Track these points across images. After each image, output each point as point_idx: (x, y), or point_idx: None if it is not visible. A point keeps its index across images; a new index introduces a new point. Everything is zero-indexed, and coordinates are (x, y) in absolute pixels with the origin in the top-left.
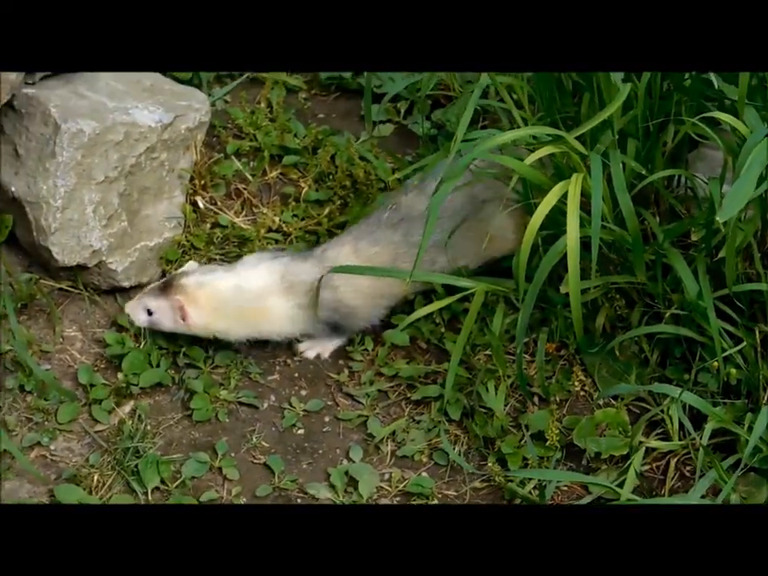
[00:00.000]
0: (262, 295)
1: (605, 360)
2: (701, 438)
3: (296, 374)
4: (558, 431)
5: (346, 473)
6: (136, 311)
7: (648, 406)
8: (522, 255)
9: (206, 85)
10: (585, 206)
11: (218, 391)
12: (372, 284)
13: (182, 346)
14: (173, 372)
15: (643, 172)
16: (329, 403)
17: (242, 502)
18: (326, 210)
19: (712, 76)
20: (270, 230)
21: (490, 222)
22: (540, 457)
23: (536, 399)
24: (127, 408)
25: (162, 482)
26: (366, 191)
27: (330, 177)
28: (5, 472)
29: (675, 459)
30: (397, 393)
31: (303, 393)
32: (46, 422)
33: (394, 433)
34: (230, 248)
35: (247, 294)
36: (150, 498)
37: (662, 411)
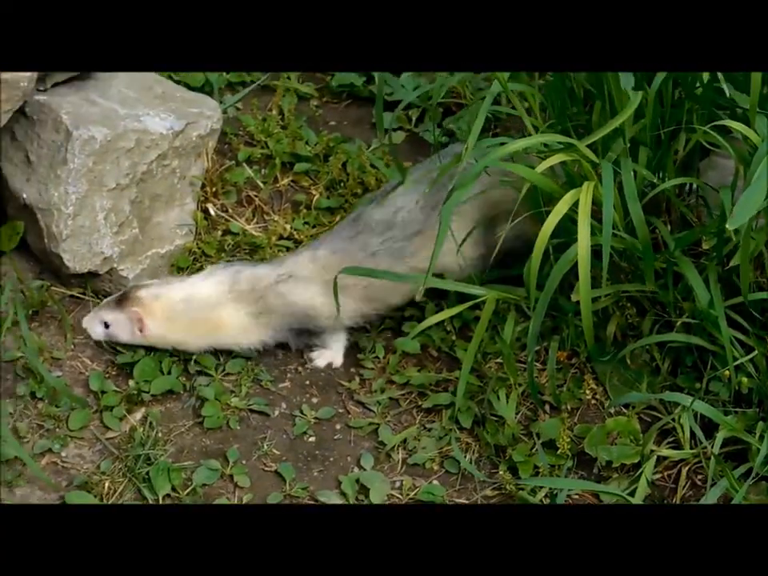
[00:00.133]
0: (210, 304)
1: (616, 368)
2: (712, 447)
3: (307, 382)
4: (569, 439)
5: (357, 480)
6: (92, 325)
7: (659, 415)
8: (533, 263)
9: (217, 92)
10: (596, 214)
11: (229, 398)
12: (321, 289)
13: (193, 354)
14: (184, 379)
15: (654, 180)
16: (340, 411)
17: None
18: (338, 218)
19: (724, 84)
20: (281, 238)
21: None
22: (551, 465)
23: (547, 407)
24: (138, 415)
25: (173, 489)
26: None
27: (342, 184)
28: (16, 479)
29: (687, 468)
30: (408, 401)
31: (314, 400)
32: (57, 429)
33: (405, 441)
34: (241, 255)
35: (197, 304)
36: None
37: (674, 420)
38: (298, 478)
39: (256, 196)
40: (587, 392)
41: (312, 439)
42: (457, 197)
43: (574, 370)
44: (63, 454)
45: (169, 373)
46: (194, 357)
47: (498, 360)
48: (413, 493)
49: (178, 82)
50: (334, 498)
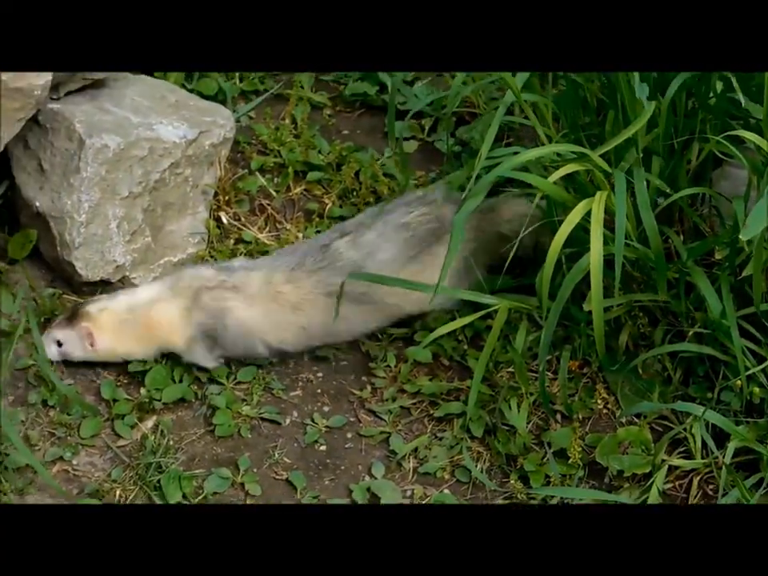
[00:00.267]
0: (148, 304)
1: (628, 378)
2: (724, 457)
3: (318, 390)
4: (580, 449)
5: (368, 489)
6: (47, 345)
7: (671, 425)
8: (545, 272)
9: (230, 101)
10: (608, 223)
11: (240, 407)
12: (261, 313)
13: None
14: (195, 387)
15: (667, 190)
16: (351, 419)
17: None
18: None
19: (739, 94)
20: None
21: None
22: (562, 474)
23: (558, 417)
24: (150, 423)
25: (184, 497)
26: None
27: (354, 193)
28: (27, 486)
29: (698, 478)
30: (419, 409)
31: (326, 409)
32: (68, 437)
33: (416, 449)
34: None
35: (138, 309)
36: None
37: (685, 429)
38: (309, 486)
39: (269, 205)
40: (599, 401)
41: (323, 448)
42: (469, 206)
43: (586, 379)
44: (74, 462)
45: (180, 381)
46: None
47: (510, 369)
48: (424, 502)
49: (191, 91)
50: None
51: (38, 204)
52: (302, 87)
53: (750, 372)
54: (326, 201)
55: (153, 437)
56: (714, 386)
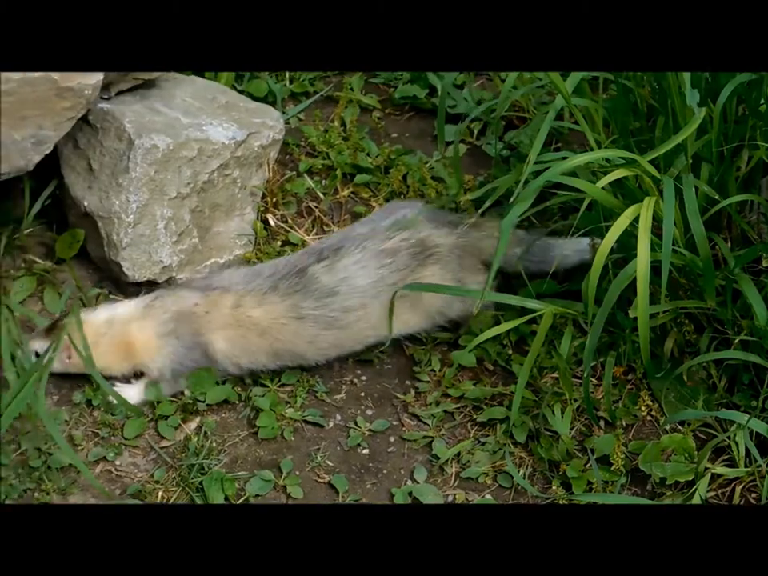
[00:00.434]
0: (125, 323)
1: (672, 385)
2: (767, 465)
3: (362, 394)
4: (623, 456)
5: (410, 493)
6: (26, 356)
7: (715, 432)
8: (592, 278)
9: (280, 102)
10: (656, 229)
11: (284, 409)
12: (230, 337)
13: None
14: (239, 389)
15: (716, 197)
16: (394, 423)
17: None
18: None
19: None
20: None
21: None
22: (605, 481)
23: (602, 423)
24: (193, 425)
25: (226, 499)
26: None
27: (402, 196)
28: (69, 486)
29: (741, 486)
30: (463, 414)
31: (369, 412)
32: (112, 437)
33: (458, 454)
34: None
35: (115, 325)
36: None
37: (729, 438)
38: (351, 490)
39: (316, 207)
40: (643, 408)
41: (366, 451)
42: (516, 210)
43: (630, 386)
44: (117, 463)
45: (224, 383)
46: None
47: (554, 375)
48: None
49: (241, 92)
50: None
51: (86, 204)
52: (351, 90)
53: None
54: (374, 204)
55: (196, 438)
56: (759, 394)
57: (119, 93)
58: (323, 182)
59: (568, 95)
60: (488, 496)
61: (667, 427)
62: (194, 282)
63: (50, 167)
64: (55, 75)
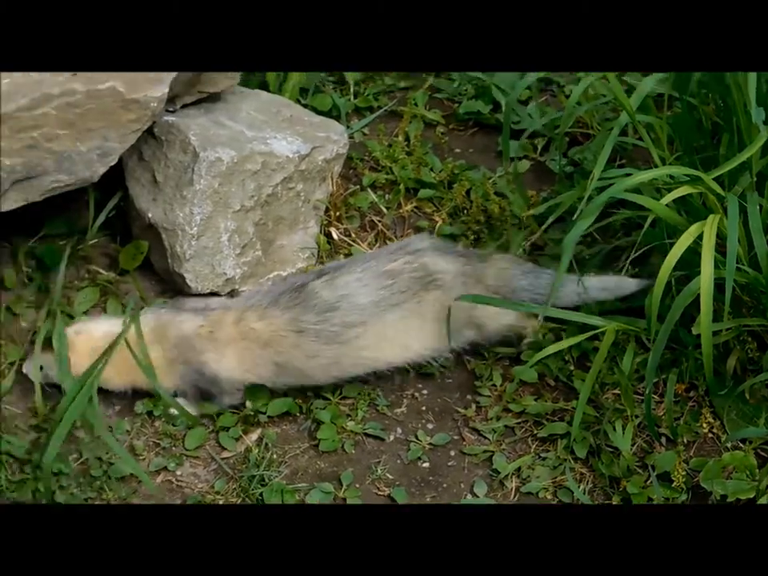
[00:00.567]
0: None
1: (734, 403)
2: None
3: (423, 408)
4: (684, 473)
5: None
6: (29, 369)
7: None
8: (655, 295)
9: (344, 117)
10: (719, 247)
11: (344, 422)
12: (235, 356)
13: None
14: (300, 401)
15: None
16: (455, 437)
17: None
18: (459, 245)
19: None
20: None
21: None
22: (665, 498)
23: (663, 440)
24: (254, 436)
25: None
26: (500, 227)
27: (465, 212)
28: (131, 496)
29: None
30: (523, 429)
31: (430, 426)
32: (173, 448)
33: (519, 469)
34: None
35: (117, 341)
36: None
37: None
38: (411, 503)
39: (379, 221)
40: (704, 425)
41: (426, 465)
42: (580, 227)
43: (692, 403)
44: (178, 473)
45: (285, 395)
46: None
47: (616, 391)
48: None
49: (305, 106)
50: None
51: (150, 215)
52: (415, 105)
53: None
54: (437, 218)
55: (257, 450)
56: None
57: (184, 106)
58: (386, 196)
59: (633, 112)
60: None
61: (729, 445)
62: (188, 302)
63: (114, 179)
64: (121, 87)
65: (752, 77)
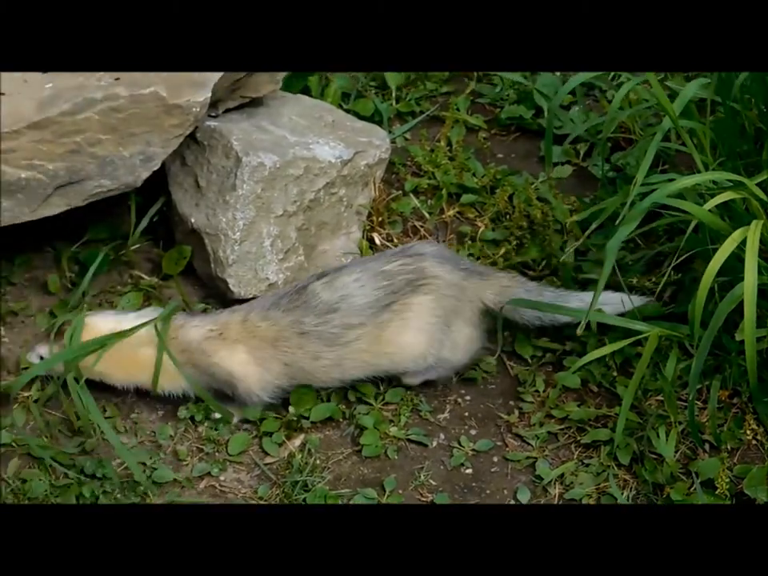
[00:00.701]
0: (137, 343)
1: None
2: None
3: (466, 413)
4: (728, 479)
5: None
6: (32, 360)
7: None
8: (698, 301)
9: (386, 122)
10: (763, 253)
11: (387, 428)
12: (246, 355)
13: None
14: (343, 407)
15: None
16: (498, 443)
17: None
18: (502, 251)
19: None
20: None
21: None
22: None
23: (707, 447)
24: (297, 442)
25: None
26: (542, 232)
27: (507, 217)
28: (174, 501)
29: None
30: (566, 435)
31: (473, 432)
32: (216, 453)
33: (562, 475)
34: None
35: (124, 338)
36: None
37: None
38: None
39: (422, 226)
40: (748, 432)
41: (469, 471)
42: (623, 232)
43: (736, 409)
44: (222, 478)
45: (328, 400)
46: (354, 384)
47: (659, 397)
48: None
49: (347, 111)
50: None
51: (193, 220)
52: (457, 110)
53: None
54: (479, 224)
55: (300, 455)
56: None
57: (226, 111)
58: (429, 201)
59: (675, 117)
60: None
61: None
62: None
63: (157, 184)
64: (164, 92)
65: None
